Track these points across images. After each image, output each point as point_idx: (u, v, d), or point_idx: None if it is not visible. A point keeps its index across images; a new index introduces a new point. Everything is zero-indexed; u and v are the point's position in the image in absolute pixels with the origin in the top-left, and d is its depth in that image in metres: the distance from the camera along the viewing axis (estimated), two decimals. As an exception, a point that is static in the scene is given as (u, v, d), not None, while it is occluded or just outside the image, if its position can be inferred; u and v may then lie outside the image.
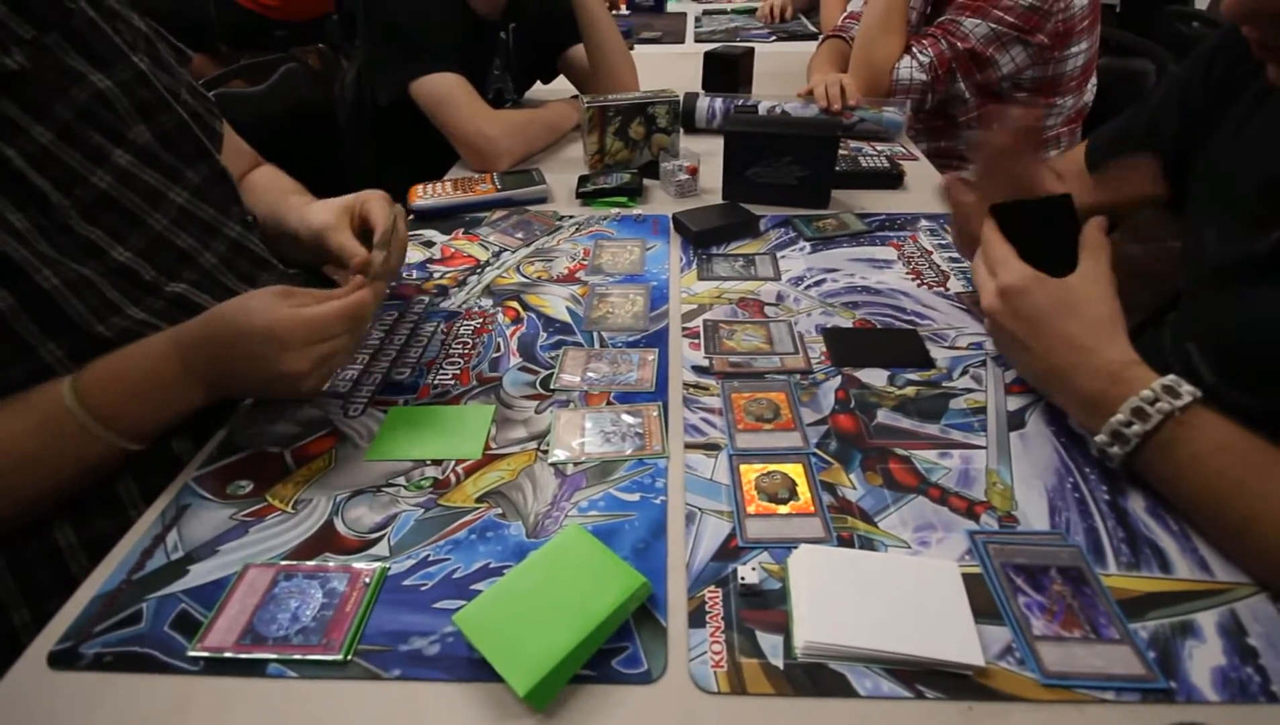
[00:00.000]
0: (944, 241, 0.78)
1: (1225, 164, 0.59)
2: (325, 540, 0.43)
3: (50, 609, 0.40)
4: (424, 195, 0.88)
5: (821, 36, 1.40)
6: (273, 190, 0.75)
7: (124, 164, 0.57)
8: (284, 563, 0.42)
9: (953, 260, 0.74)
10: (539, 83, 1.36)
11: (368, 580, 0.40)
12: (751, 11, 2.16)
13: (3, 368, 0.48)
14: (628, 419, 0.53)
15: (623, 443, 0.50)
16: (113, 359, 0.49)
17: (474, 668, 0.36)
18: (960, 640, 0.36)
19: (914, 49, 1.15)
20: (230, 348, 0.49)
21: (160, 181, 0.59)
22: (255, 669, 0.36)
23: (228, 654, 0.37)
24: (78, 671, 0.37)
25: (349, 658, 0.37)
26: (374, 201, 0.65)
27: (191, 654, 0.37)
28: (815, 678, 0.36)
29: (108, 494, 0.52)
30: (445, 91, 1.00)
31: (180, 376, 0.49)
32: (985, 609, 0.38)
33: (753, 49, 1.24)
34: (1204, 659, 0.36)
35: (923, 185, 0.94)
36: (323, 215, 0.66)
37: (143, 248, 0.56)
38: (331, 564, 0.42)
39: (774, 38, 1.84)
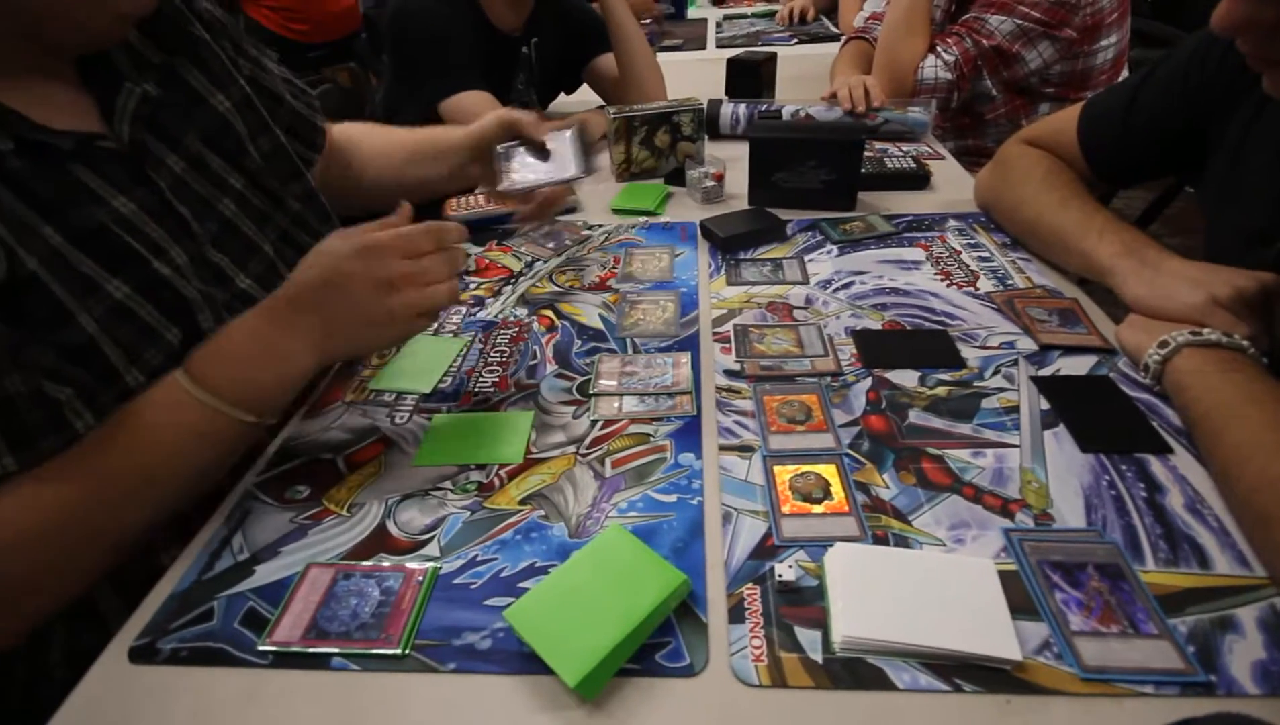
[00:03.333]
0: (973, 241, 0.78)
1: (1236, 164, 0.59)
2: (379, 541, 0.46)
3: None
4: (457, 208, 0.91)
5: (844, 38, 1.41)
6: (396, 132, 0.82)
7: (240, 188, 0.58)
8: (343, 563, 0.44)
9: (982, 259, 0.74)
10: (562, 94, 1.38)
11: (421, 579, 0.43)
12: (772, 15, 2.17)
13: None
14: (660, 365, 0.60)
15: (656, 403, 0.56)
16: (213, 341, 0.48)
17: (524, 661, 0.38)
18: (997, 635, 0.37)
19: (938, 48, 1.14)
20: (325, 288, 0.48)
21: (269, 206, 0.61)
22: (320, 662, 0.39)
23: (295, 648, 0.39)
24: (156, 665, 0.40)
25: (407, 651, 0.39)
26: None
27: (261, 648, 0.39)
28: (854, 671, 0.37)
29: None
30: (474, 110, 1.03)
31: (281, 338, 0.48)
32: (1022, 605, 0.39)
33: (775, 54, 1.25)
34: (1244, 653, 0.36)
35: (950, 185, 0.93)
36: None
37: (259, 274, 0.58)
38: (386, 564, 0.44)
39: (795, 41, 1.85)
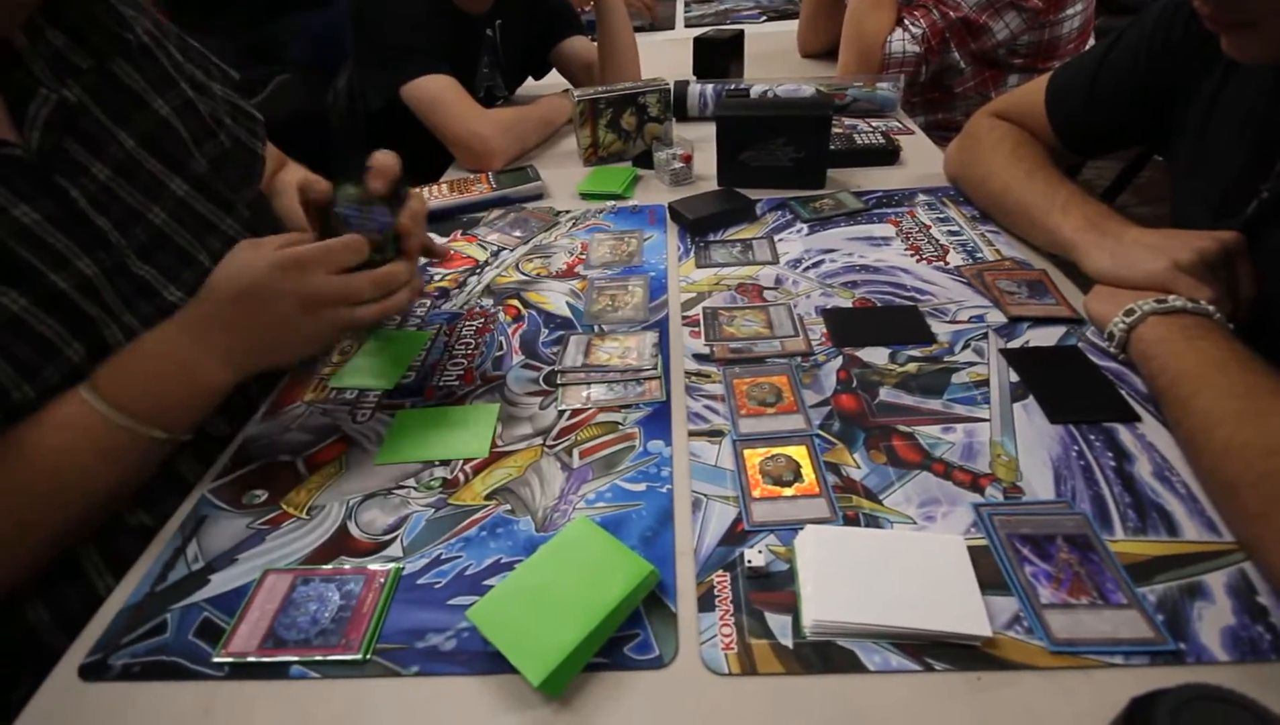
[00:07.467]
0: (942, 215, 0.77)
1: (1204, 132, 0.59)
2: (340, 544, 0.44)
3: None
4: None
5: None
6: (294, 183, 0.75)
7: (181, 195, 0.56)
8: (301, 568, 0.43)
9: (951, 233, 0.73)
10: (530, 79, 1.35)
11: (383, 581, 0.41)
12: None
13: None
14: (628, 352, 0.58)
15: (624, 390, 0.55)
16: (122, 355, 0.48)
17: (490, 661, 0.37)
18: (967, 612, 0.36)
19: (906, 21, 1.13)
20: (243, 303, 0.46)
21: (213, 213, 0.59)
22: (278, 672, 0.37)
23: (251, 658, 0.38)
24: (108, 682, 0.38)
25: (368, 656, 0.38)
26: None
27: (216, 660, 0.38)
28: (824, 655, 0.36)
29: (126, 521, 0.52)
30: (436, 94, 1.00)
31: (197, 354, 0.47)
32: (992, 580, 0.38)
33: (742, 31, 1.23)
34: (1214, 619, 0.36)
35: (919, 159, 0.93)
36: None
37: (193, 286, 0.54)
38: (347, 567, 0.43)
39: (764, 18, 1.82)
